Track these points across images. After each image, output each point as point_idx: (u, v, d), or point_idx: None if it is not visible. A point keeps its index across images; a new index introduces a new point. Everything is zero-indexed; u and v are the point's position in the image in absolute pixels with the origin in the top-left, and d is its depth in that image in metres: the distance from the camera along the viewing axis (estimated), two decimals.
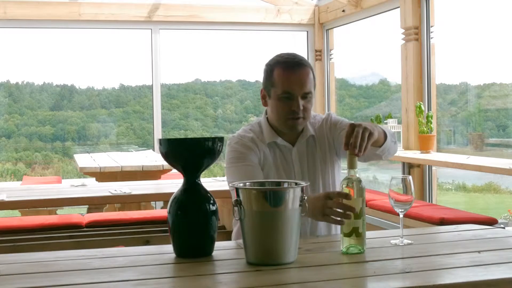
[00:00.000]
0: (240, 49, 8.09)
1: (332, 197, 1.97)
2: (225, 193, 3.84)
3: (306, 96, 2.33)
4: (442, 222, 3.93)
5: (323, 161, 2.45)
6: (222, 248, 2.04)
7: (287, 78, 2.32)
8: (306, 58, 7.77)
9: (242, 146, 2.39)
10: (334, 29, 7.36)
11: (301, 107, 2.32)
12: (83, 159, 6.29)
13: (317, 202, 1.99)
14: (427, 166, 5.41)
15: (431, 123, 5.21)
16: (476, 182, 7.34)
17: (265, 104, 2.44)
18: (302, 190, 1.84)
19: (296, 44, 7.57)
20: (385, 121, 5.70)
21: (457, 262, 1.82)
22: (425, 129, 5.21)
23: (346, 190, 1.92)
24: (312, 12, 7.35)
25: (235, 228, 2.52)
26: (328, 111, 7.29)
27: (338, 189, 2.00)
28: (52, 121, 8.05)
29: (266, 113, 2.48)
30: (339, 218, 1.93)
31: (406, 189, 2.07)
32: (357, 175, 1.94)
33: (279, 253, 1.81)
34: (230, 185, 1.93)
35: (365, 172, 7.46)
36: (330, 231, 2.43)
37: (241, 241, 1.92)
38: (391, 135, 2.34)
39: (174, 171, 3.25)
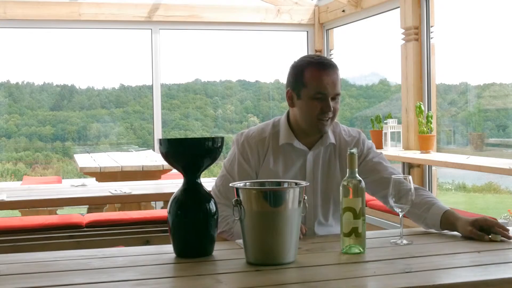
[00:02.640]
0: (240, 49, 8.09)
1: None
2: None
3: (336, 97, 2.34)
4: None
5: (341, 172, 2.43)
6: (222, 248, 2.04)
7: (321, 78, 2.30)
8: None
9: (242, 153, 2.41)
10: (334, 29, 7.35)
11: (332, 108, 2.32)
12: (83, 159, 6.29)
13: None
14: (427, 166, 5.41)
15: (431, 123, 5.21)
16: (476, 182, 7.34)
17: (292, 105, 2.40)
18: (302, 190, 1.85)
19: (296, 44, 7.57)
20: (385, 121, 5.70)
21: (457, 262, 1.83)
22: (425, 129, 5.21)
23: (346, 190, 1.93)
24: (312, 12, 7.35)
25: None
26: None
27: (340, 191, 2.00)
28: (52, 121, 8.05)
29: (288, 114, 2.46)
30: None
31: None
32: (357, 175, 1.94)
33: (279, 253, 1.81)
34: (230, 184, 1.93)
35: None
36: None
37: (241, 241, 1.92)
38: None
39: (174, 171, 3.25)
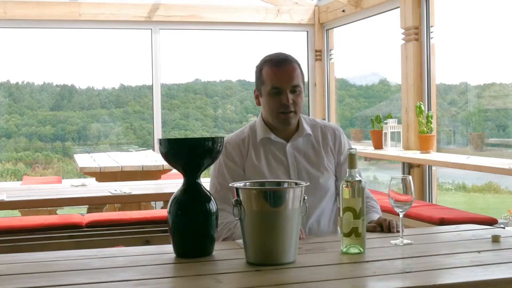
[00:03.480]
0: (240, 49, 8.09)
1: None
2: None
3: (295, 90, 2.42)
4: (442, 222, 3.93)
5: (327, 157, 2.52)
6: (222, 248, 2.04)
7: (274, 74, 2.42)
8: (306, 58, 7.68)
9: (228, 156, 2.47)
10: (334, 29, 7.35)
11: (291, 101, 2.41)
12: (83, 159, 6.29)
13: None
14: (427, 166, 5.41)
15: (431, 123, 5.21)
16: (476, 182, 7.34)
17: (258, 103, 2.54)
18: (302, 190, 1.85)
19: (296, 44, 7.57)
20: (385, 121, 5.70)
21: (457, 262, 1.82)
22: (425, 129, 5.21)
23: (346, 190, 1.93)
24: (312, 12, 7.35)
25: None
26: (328, 112, 7.30)
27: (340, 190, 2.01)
28: (52, 121, 8.05)
29: (261, 113, 2.57)
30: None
31: (406, 189, 2.07)
32: (357, 175, 1.94)
33: (279, 253, 1.81)
34: (230, 185, 1.94)
35: (365, 172, 7.46)
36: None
37: (241, 241, 1.92)
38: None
39: (174, 171, 3.25)
